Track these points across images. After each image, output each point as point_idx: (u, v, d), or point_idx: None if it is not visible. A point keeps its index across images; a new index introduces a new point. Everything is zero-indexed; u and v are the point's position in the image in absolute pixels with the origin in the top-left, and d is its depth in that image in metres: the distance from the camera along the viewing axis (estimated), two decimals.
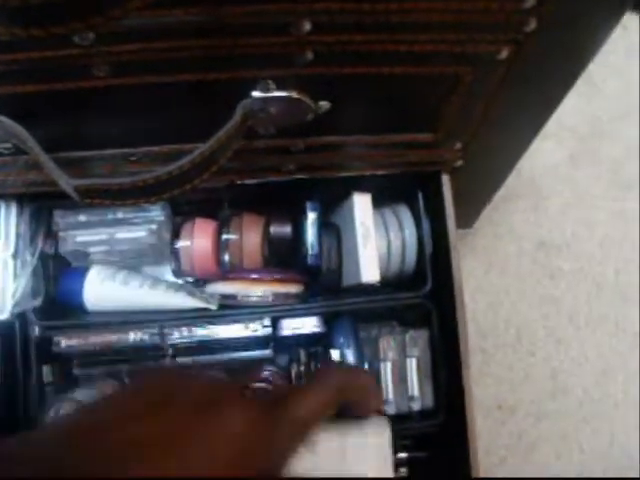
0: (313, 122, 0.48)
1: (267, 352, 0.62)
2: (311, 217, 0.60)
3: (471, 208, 0.71)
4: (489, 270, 0.93)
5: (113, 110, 0.47)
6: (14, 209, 0.59)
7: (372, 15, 0.38)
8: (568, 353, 0.90)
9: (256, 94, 0.44)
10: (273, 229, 0.63)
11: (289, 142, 0.53)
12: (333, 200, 0.64)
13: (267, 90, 0.44)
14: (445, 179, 0.60)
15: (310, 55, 0.42)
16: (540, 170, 0.99)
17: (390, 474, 0.41)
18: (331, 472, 0.39)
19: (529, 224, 0.98)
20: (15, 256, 0.59)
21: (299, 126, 0.49)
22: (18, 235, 0.60)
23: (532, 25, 0.40)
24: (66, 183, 0.47)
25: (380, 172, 0.59)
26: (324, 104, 0.47)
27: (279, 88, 0.44)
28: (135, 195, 0.49)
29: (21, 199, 0.61)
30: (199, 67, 0.43)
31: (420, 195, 0.62)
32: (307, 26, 0.39)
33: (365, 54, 0.42)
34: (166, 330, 0.60)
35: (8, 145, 0.50)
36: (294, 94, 0.45)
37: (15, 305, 0.58)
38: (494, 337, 0.89)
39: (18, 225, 0.60)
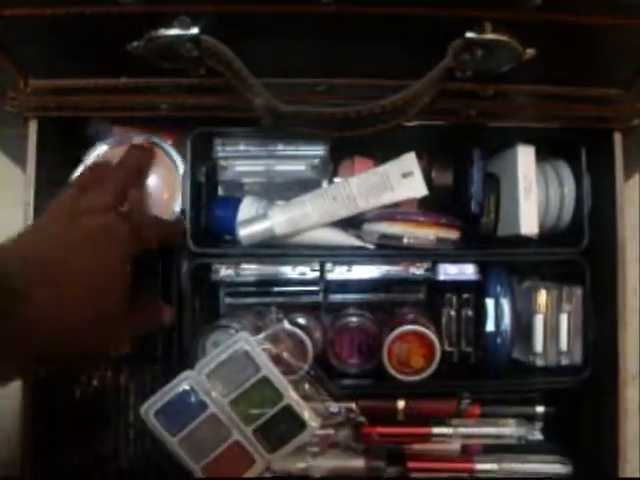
0: (511, 68, 0.47)
1: (420, 295, 0.62)
2: (478, 165, 0.60)
3: (631, 165, 0.70)
4: None
5: (326, 39, 0.47)
6: None
7: None
8: None
9: (470, 35, 0.44)
10: (436, 174, 0.62)
11: (480, 87, 0.52)
12: (493, 150, 0.63)
13: (482, 32, 0.44)
14: (617, 137, 0.59)
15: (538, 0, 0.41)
16: None
17: None
18: None
19: None
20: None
21: (496, 71, 0.48)
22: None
23: None
24: (268, 107, 0.46)
25: (550, 125, 0.58)
26: (530, 51, 0.46)
27: (494, 31, 0.44)
28: (334, 126, 0.49)
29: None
30: (424, 1, 0.42)
31: (583, 152, 0.61)
32: None
33: (591, 4, 0.42)
34: (327, 266, 0.59)
35: (202, 70, 0.49)
36: (506, 38, 0.44)
37: None
38: None
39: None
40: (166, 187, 0.61)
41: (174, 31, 0.44)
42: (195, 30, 0.43)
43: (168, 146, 0.61)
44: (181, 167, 0.61)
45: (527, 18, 0.43)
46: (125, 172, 0.57)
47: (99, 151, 0.61)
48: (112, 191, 0.52)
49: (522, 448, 0.65)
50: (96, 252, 0.47)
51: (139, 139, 0.60)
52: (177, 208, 0.61)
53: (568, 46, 0.48)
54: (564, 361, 0.62)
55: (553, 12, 0.42)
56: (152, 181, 0.61)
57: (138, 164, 0.59)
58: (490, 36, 0.44)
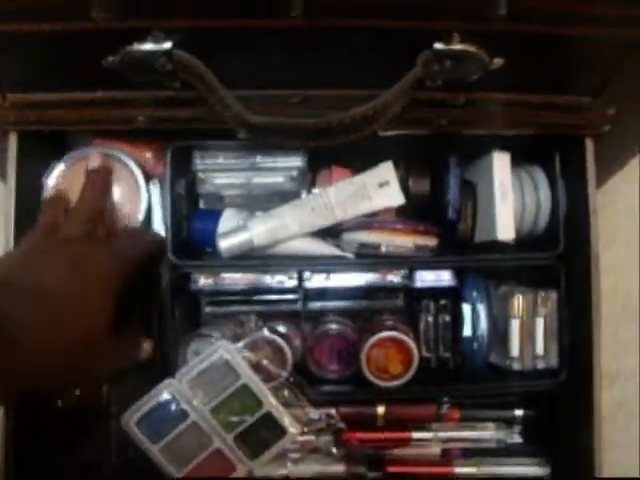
0: (480, 77, 0.48)
1: (398, 302, 0.63)
2: (454, 172, 0.61)
3: (603, 171, 0.71)
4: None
5: (297, 51, 0.48)
6: None
7: None
8: None
9: (438, 46, 0.45)
10: (412, 183, 0.63)
11: (450, 96, 0.53)
12: (469, 157, 0.64)
13: (450, 42, 0.45)
14: (589, 143, 0.60)
15: (504, 10, 0.42)
16: None
17: None
18: None
19: None
20: None
21: (465, 80, 0.49)
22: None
23: None
24: (240, 119, 0.47)
25: (523, 132, 0.59)
26: (498, 61, 0.47)
27: (462, 42, 0.45)
28: (307, 136, 0.50)
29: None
30: (393, 14, 0.43)
31: (557, 157, 0.62)
32: None
33: (556, 14, 0.43)
34: (306, 275, 0.60)
35: (176, 83, 0.50)
36: (474, 49, 0.45)
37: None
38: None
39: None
40: (128, 199, 0.61)
41: (148, 46, 0.45)
42: (168, 45, 0.44)
43: (125, 157, 0.61)
44: (140, 177, 0.61)
45: (494, 29, 0.44)
46: (92, 197, 0.57)
47: (58, 171, 0.61)
48: (85, 219, 0.53)
49: (501, 451, 0.66)
50: (78, 281, 0.48)
51: (94, 157, 0.60)
52: (140, 218, 0.61)
53: (535, 55, 0.48)
54: (540, 365, 0.63)
55: (519, 22, 0.43)
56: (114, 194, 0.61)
57: (102, 186, 0.59)
58: (458, 47, 0.45)
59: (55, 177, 0.61)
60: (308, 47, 0.47)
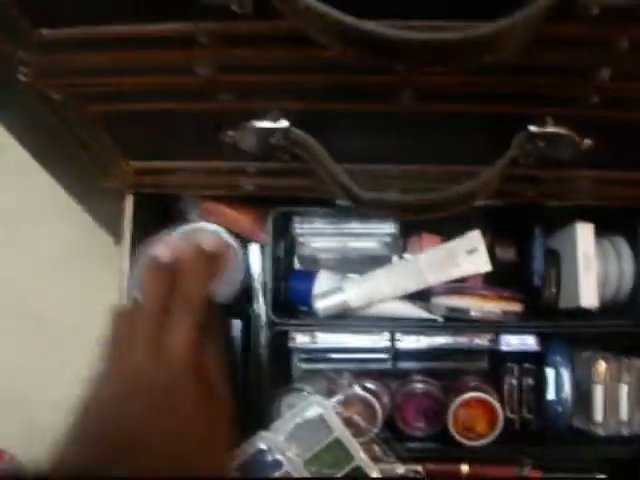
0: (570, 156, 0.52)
1: (483, 364, 0.66)
2: (539, 241, 0.64)
3: None
4: None
5: (403, 131, 0.52)
6: None
7: None
8: None
9: (532, 128, 0.48)
10: (499, 250, 0.66)
11: (542, 172, 0.56)
12: (554, 227, 0.67)
13: (544, 125, 0.48)
14: None
15: (596, 99, 0.46)
16: None
17: None
18: None
19: None
20: None
21: (556, 159, 0.52)
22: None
23: None
24: (350, 193, 0.51)
25: (609, 204, 0.62)
26: (588, 142, 0.50)
27: (555, 124, 0.48)
28: (411, 211, 0.54)
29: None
30: (493, 100, 0.47)
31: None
32: (606, 74, 0.43)
33: None
34: (397, 335, 0.63)
35: (287, 156, 0.54)
36: (566, 131, 0.49)
37: None
38: None
39: None
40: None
41: (266, 123, 0.49)
42: (285, 123, 0.49)
43: (236, 246, 0.64)
44: (241, 267, 0.64)
45: (583, 114, 0.47)
46: (200, 283, 0.45)
47: (163, 246, 0.48)
48: (195, 310, 0.43)
49: None
50: (189, 403, 0.41)
51: (212, 238, 0.55)
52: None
53: (625, 137, 0.52)
54: (624, 431, 0.64)
55: (610, 109, 0.47)
56: None
57: (211, 272, 0.48)
58: (551, 129, 0.48)
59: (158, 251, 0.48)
60: (414, 128, 0.51)
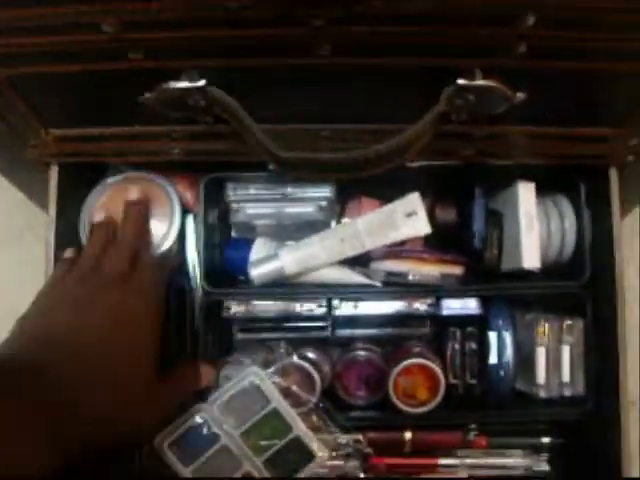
0: (503, 111, 0.50)
1: (425, 330, 0.64)
2: (480, 202, 0.62)
3: (628, 200, 0.72)
4: None
5: (324, 87, 0.50)
6: None
7: (591, 12, 0.40)
8: None
9: (461, 82, 0.46)
10: (439, 213, 0.65)
11: (475, 128, 0.54)
12: (495, 187, 0.66)
13: (473, 79, 0.46)
14: (613, 173, 0.61)
15: (524, 48, 0.44)
16: None
17: None
18: None
19: None
20: None
21: (488, 114, 0.50)
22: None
23: None
24: (270, 154, 0.49)
25: (548, 162, 0.60)
26: (520, 95, 0.48)
27: (484, 78, 0.46)
28: (335, 170, 0.51)
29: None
30: (417, 52, 0.45)
31: (582, 187, 0.63)
32: (531, 20, 0.41)
33: (576, 50, 0.44)
34: (335, 303, 0.61)
35: (209, 118, 0.52)
36: (496, 84, 0.47)
37: None
38: None
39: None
40: (163, 223, 0.62)
41: (183, 83, 0.47)
42: (202, 82, 0.47)
43: (163, 181, 0.63)
44: (177, 204, 0.63)
45: (512, 65, 0.45)
46: (132, 231, 0.57)
47: (101, 198, 0.63)
48: (127, 255, 0.54)
49: (528, 479, 0.66)
50: (122, 332, 0.49)
51: (134, 188, 0.60)
52: (170, 244, 0.62)
53: (557, 89, 0.50)
54: (567, 392, 0.63)
55: (539, 59, 0.45)
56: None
57: (142, 218, 0.59)
58: (480, 82, 0.46)
59: (98, 204, 0.62)
60: (336, 84, 0.49)
